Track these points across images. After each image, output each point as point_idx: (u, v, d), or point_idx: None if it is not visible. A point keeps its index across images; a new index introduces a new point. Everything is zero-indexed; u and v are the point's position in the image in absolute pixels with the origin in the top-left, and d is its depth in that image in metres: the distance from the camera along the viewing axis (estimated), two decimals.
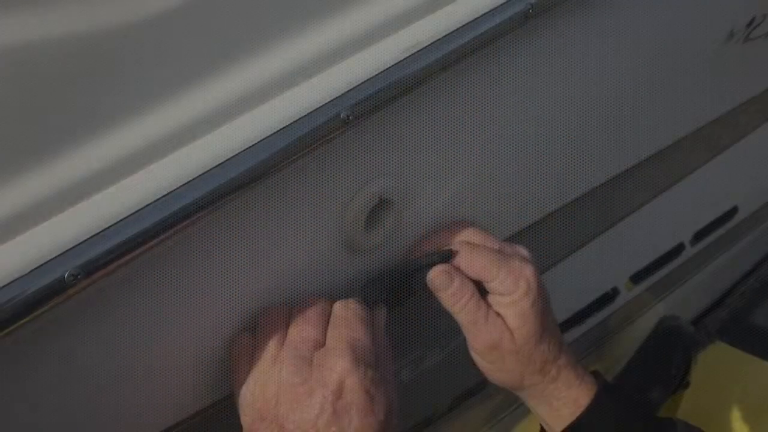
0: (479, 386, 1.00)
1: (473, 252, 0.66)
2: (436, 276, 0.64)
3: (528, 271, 0.64)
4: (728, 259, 1.43)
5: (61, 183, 0.43)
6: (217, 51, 0.49)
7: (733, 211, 1.33)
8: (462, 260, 0.65)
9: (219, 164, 0.48)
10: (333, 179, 0.58)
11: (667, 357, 1.29)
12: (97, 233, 0.44)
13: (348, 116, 0.51)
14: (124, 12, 0.44)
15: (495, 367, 0.66)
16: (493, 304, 0.65)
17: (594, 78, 0.76)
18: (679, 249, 1.25)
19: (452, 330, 0.66)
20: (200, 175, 0.47)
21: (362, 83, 0.52)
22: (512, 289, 0.64)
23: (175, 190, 0.47)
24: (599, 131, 0.83)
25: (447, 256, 0.65)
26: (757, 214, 1.42)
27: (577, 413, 0.65)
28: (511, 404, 1.11)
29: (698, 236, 1.28)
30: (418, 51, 0.53)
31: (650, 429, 0.65)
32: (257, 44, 0.50)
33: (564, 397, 0.65)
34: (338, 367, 0.54)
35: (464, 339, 0.67)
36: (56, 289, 0.42)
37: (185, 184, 0.47)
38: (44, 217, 0.43)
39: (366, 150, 0.58)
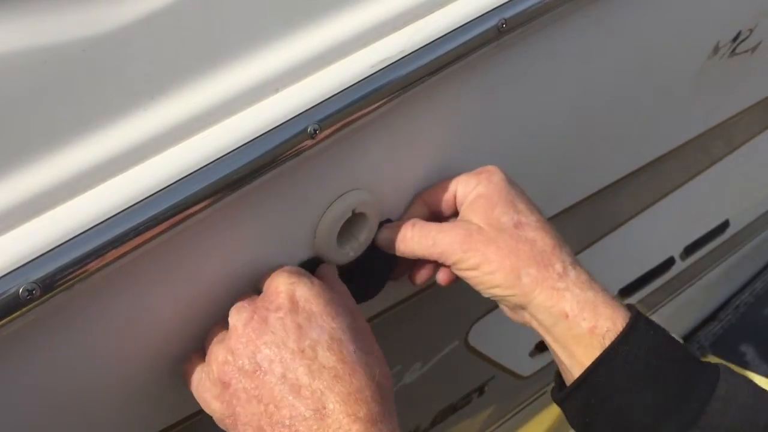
0: (463, 401, 0.99)
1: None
2: (380, 234, 0.63)
3: (489, 166, 0.61)
4: (720, 274, 1.42)
5: (16, 196, 0.43)
6: (182, 65, 0.48)
7: (725, 224, 1.33)
8: (416, 207, 0.64)
9: (184, 177, 0.47)
10: (304, 193, 0.57)
11: None
12: (55, 247, 0.43)
13: (315, 130, 0.51)
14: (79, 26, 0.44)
15: (482, 272, 0.58)
16: (463, 216, 0.61)
17: (580, 91, 0.75)
18: (669, 263, 1.24)
19: (433, 344, 0.66)
20: (165, 188, 0.47)
21: (330, 97, 0.51)
22: (474, 181, 0.61)
23: (139, 202, 0.46)
24: (584, 144, 0.83)
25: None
26: (749, 228, 1.41)
27: (599, 324, 0.54)
28: (497, 420, 1.10)
29: (689, 250, 1.27)
30: (386, 66, 0.53)
31: (694, 365, 0.55)
32: (223, 58, 0.49)
33: (579, 304, 0.55)
34: (281, 285, 0.52)
35: (445, 354, 0.65)
36: (10, 305, 0.42)
37: (150, 196, 0.46)
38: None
39: (337, 164, 0.57)
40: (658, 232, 1.16)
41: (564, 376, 0.59)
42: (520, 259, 0.57)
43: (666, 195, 1.10)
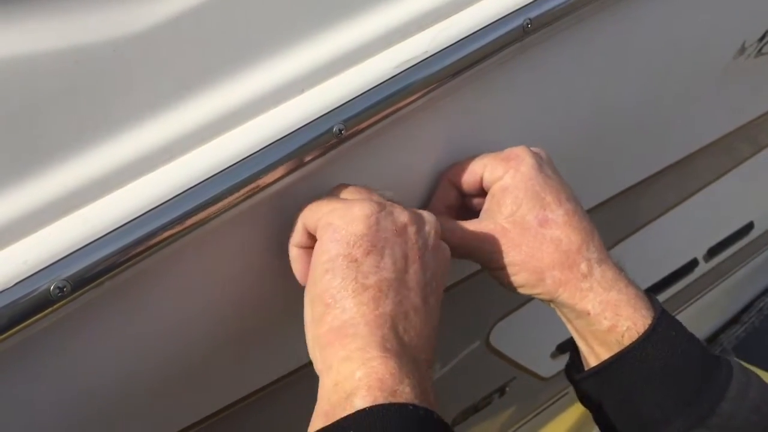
0: (484, 402, 0.99)
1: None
2: None
3: (518, 149, 0.59)
4: (744, 276, 1.41)
5: (46, 196, 0.43)
6: (209, 65, 0.49)
7: (749, 226, 1.31)
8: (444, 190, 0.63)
9: (211, 177, 0.48)
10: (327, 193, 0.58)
11: None
12: (85, 245, 0.44)
13: (341, 130, 0.51)
14: (113, 26, 0.45)
15: (507, 273, 0.58)
16: (488, 208, 0.60)
17: (604, 91, 0.75)
18: (692, 265, 1.23)
19: (453, 344, 0.65)
20: (192, 187, 0.47)
21: (356, 97, 0.52)
22: (501, 169, 0.59)
23: (168, 201, 0.47)
24: (608, 144, 0.82)
25: None
26: None
27: (619, 324, 0.54)
28: (518, 421, 1.10)
29: (712, 252, 1.26)
30: (411, 66, 0.53)
31: (708, 361, 0.55)
32: (249, 58, 0.50)
33: (602, 304, 0.55)
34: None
35: (466, 355, 0.65)
36: (41, 302, 0.42)
37: (178, 195, 0.47)
38: (30, 230, 0.43)
39: (361, 163, 0.57)
40: (682, 234, 1.15)
41: (581, 357, 0.60)
42: (544, 261, 0.57)
43: (690, 196, 1.09)
